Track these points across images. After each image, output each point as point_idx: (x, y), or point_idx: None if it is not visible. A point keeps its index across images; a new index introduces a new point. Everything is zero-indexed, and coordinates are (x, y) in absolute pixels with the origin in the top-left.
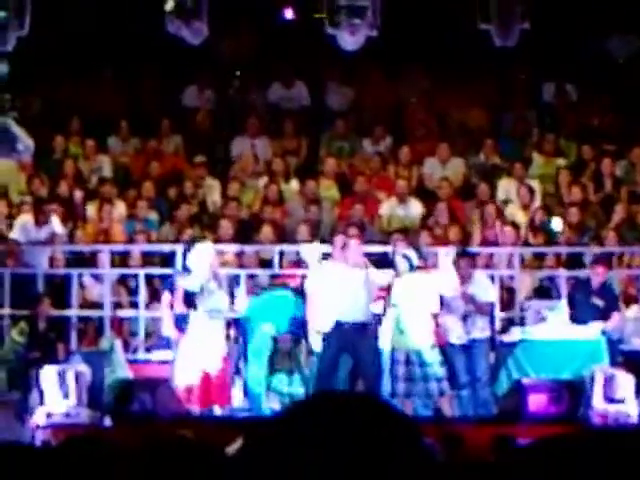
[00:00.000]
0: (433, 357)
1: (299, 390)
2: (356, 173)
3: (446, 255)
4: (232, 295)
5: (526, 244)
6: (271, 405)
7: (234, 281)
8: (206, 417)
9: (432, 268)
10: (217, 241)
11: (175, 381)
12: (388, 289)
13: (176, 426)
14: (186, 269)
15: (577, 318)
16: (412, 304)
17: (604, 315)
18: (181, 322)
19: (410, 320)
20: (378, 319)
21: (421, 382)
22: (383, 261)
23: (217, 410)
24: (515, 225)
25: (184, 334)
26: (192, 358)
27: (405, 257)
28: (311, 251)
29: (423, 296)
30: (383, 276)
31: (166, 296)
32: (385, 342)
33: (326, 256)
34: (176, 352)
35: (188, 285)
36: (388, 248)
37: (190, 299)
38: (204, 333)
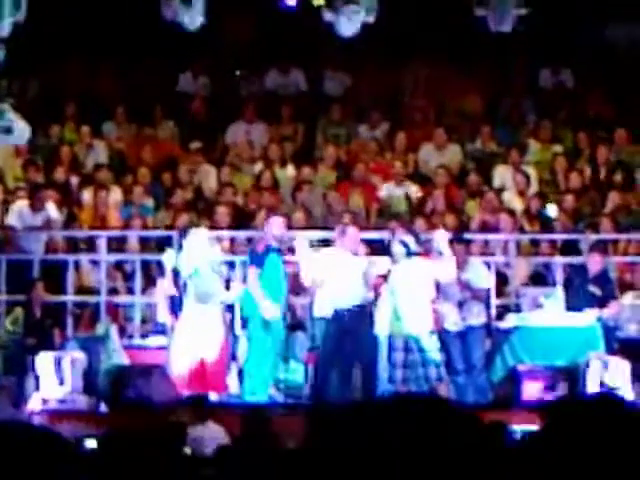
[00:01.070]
0: (431, 343)
1: (295, 377)
2: (353, 159)
3: (443, 237)
4: (227, 281)
5: (522, 231)
6: (269, 392)
7: (229, 267)
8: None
9: (429, 254)
10: (213, 227)
11: (170, 367)
12: (385, 275)
13: (172, 412)
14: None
15: (573, 305)
16: (410, 290)
17: (601, 303)
18: (176, 308)
19: (408, 306)
20: (375, 305)
21: (420, 368)
22: (380, 247)
23: (213, 397)
24: (511, 212)
25: (178, 320)
26: (186, 344)
27: (402, 243)
28: (301, 242)
29: (421, 282)
30: (382, 263)
31: (161, 282)
32: (382, 328)
33: (320, 243)
34: (171, 338)
35: (181, 268)
36: (385, 234)
37: (182, 283)
38: (199, 319)
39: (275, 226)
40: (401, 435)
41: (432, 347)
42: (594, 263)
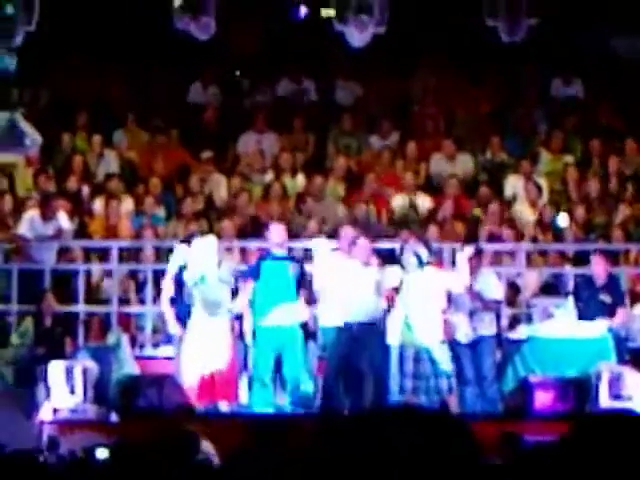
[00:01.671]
0: (442, 354)
1: (307, 387)
2: (364, 170)
3: (462, 252)
4: (235, 291)
5: (534, 241)
6: (278, 402)
7: (238, 277)
8: (212, 413)
9: (440, 264)
10: (221, 237)
11: (181, 378)
12: (397, 287)
13: (183, 421)
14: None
15: (584, 315)
16: (421, 300)
17: (611, 311)
18: (184, 318)
19: (419, 316)
20: (386, 316)
21: (431, 379)
22: (391, 258)
23: (224, 407)
24: (513, 225)
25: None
26: (195, 354)
27: (415, 254)
28: (321, 245)
29: (432, 293)
30: (394, 274)
31: (165, 292)
32: (393, 339)
33: (333, 251)
34: (179, 348)
35: (187, 277)
36: (396, 245)
37: (188, 292)
38: (206, 328)
39: (275, 234)
40: (404, 445)
41: (443, 358)
42: (598, 268)
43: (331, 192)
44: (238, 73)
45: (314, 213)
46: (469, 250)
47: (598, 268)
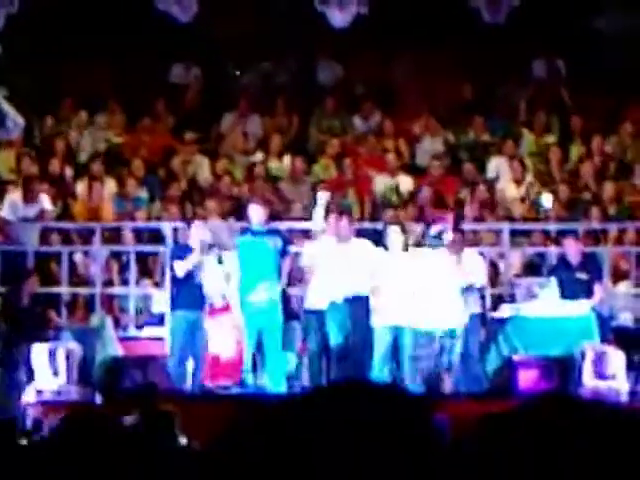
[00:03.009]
0: (427, 334)
1: (288, 367)
2: (347, 151)
3: (446, 234)
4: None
5: (514, 220)
6: (262, 382)
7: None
8: (197, 394)
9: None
10: (204, 219)
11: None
12: (379, 265)
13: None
14: (182, 248)
15: (565, 294)
16: (407, 281)
17: (590, 290)
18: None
19: (415, 297)
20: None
21: (413, 361)
22: (375, 238)
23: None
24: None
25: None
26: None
27: (399, 235)
28: (318, 219)
29: (419, 273)
30: (375, 252)
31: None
32: (379, 319)
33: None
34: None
35: (185, 265)
36: (379, 225)
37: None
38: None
39: (254, 214)
40: (351, 418)
41: (426, 339)
42: (571, 249)
43: (322, 174)
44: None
45: (296, 195)
46: (451, 234)
47: (570, 249)
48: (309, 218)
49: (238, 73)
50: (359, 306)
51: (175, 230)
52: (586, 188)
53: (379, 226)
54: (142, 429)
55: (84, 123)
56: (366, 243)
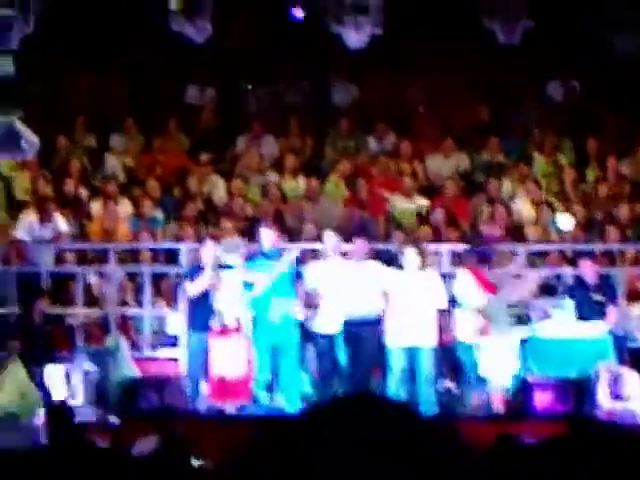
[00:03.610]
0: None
1: (303, 387)
2: (362, 172)
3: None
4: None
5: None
6: (278, 403)
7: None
8: (214, 415)
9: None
10: (219, 238)
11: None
12: (393, 286)
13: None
14: (195, 268)
15: (581, 315)
16: (420, 302)
17: (606, 310)
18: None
19: (416, 317)
20: (383, 316)
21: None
22: (388, 259)
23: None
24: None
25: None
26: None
27: (415, 255)
28: (330, 239)
29: (431, 294)
30: (388, 273)
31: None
32: (391, 339)
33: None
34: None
35: (196, 286)
36: (392, 246)
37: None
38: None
39: (265, 238)
40: (360, 431)
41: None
42: (588, 270)
43: (333, 192)
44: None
45: (310, 216)
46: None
47: (586, 270)
48: (321, 239)
49: (250, 87)
50: (371, 328)
51: (192, 251)
52: (601, 209)
53: (392, 247)
54: (161, 453)
55: (100, 144)
56: (377, 264)
